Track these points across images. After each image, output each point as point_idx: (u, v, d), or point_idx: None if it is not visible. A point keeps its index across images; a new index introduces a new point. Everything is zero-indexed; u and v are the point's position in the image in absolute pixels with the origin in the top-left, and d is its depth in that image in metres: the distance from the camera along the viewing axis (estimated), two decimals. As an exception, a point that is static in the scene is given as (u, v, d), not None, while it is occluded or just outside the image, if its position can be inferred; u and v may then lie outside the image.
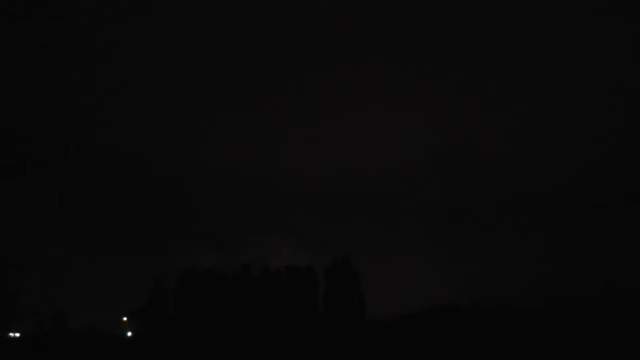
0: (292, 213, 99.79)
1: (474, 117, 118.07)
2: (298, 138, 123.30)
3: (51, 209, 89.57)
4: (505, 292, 58.82)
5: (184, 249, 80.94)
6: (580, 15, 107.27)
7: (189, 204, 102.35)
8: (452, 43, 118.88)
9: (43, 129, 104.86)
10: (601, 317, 44.87)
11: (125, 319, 63.12)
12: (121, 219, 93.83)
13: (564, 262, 68.73)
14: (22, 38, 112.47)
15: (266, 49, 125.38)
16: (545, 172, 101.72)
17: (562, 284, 60.41)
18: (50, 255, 70.70)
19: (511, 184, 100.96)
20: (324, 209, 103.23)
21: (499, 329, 46.05)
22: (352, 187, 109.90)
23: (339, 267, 61.69)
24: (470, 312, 51.15)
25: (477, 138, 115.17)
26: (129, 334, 62.00)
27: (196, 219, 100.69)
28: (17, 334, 54.98)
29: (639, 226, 74.42)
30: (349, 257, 62.19)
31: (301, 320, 58.52)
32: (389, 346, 46.15)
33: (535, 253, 77.24)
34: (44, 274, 61.98)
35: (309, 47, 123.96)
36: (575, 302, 50.40)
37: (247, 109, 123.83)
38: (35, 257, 63.29)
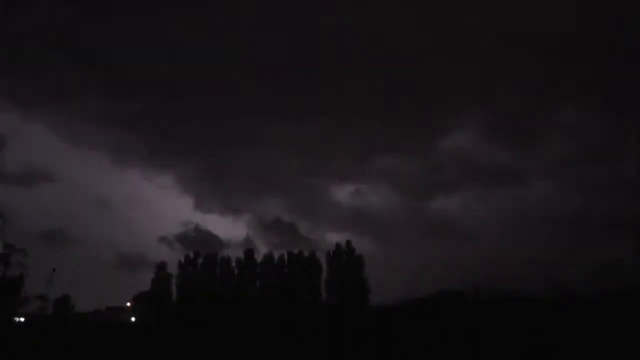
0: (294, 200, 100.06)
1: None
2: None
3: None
4: (509, 278, 58.87)
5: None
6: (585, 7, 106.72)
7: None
8: (454, 31, 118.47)
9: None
10: (605, 306, 44.87)
11: (129, 304, 63.59)
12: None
13: (568, 250, 68.86)
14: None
15: (267, 38, 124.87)
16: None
17: (565, 271, 60.48)
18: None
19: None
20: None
21: (503, 314, 46.11)
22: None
23: (342, 253, 61.95)
24: (474, 297, 51.19)
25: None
26: (133, 319, 62.38)
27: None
28: (22, 319, 55.34)
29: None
30: (351, 242, 62.51)
31: (304, 305, 58.81)
32: (391, 331, 46.11)
33: (538, 240, 77.42)
34: (47, 260, 62.16)
35: (310, 37, 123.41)
36: (579, 289, 50.43)
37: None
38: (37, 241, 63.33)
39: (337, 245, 62.37)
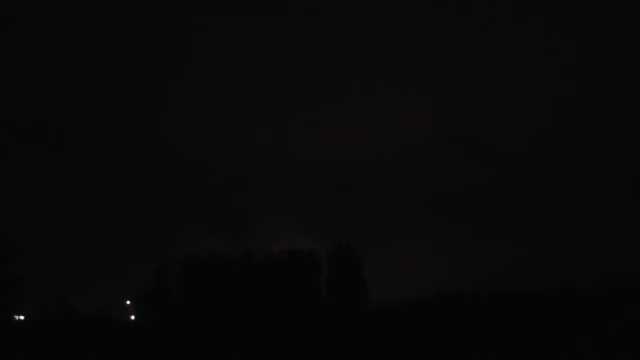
0: (294, 198, 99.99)
1: (473, 103, 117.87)
2: (298, 122, 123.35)
3: (53, 192, 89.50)
4: (507, 279, 59.02)
5: (187, 234, 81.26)
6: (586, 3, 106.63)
7: (192, 189, 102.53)
8: (452, 28, 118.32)
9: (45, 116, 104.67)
10: (602, 305, 44.95)
11: (128, 302, 63.49)
12: (125, 203, 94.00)
13: (565, 249, 68.81)
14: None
15: (265, 32, 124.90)
16: (546, 158, 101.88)
17: (563, 271, 60.57)
18: (53, 238, 70.79)
19: (511, 170, 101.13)
20: (325, 194, 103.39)
21: (502, 315, 46.18)
22: (353, 172, 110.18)
23: (342, 253, 61.88)
24: (474, 298, 51.25)
25: (476, 123, 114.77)
26: (132, 318, 62.42)
27: (199, 204, 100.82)
28: (22, 317, 55.39)
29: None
30: (351, 242, 62.43)
31: (304, 306, 58.80)
32: (391, 332, 46.23)
33: (536, 239, 77.42)
34: (46, 258, 62.14)
35: (309, 33, 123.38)
36: (576, 289, 50.52)
37: (248, 93, 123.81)
38: (37, 241, 63.34)
39: (337, 244, 62.34)
